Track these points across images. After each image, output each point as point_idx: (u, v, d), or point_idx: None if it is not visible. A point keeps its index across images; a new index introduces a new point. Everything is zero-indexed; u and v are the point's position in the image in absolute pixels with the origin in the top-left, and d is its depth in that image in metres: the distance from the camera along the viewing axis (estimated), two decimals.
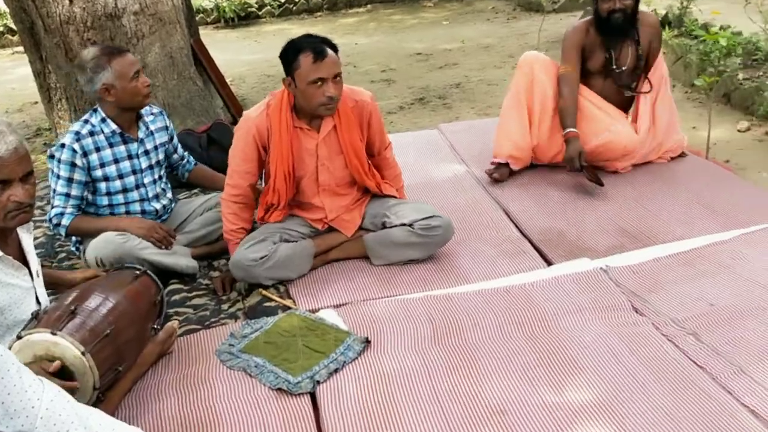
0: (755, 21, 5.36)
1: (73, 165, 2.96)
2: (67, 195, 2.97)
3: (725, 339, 2.33)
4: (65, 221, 2.95)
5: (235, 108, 5.49)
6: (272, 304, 2.79)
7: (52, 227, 3.01)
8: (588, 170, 3.53)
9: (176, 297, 2.93)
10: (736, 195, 3.34)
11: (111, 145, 3.05)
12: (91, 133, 3.01)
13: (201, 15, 10.10)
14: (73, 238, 3.20)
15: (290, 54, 2.80)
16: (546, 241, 3.12)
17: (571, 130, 3.57)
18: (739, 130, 4.42)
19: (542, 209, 3.42)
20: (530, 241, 3.13)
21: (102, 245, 2.90)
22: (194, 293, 2.98)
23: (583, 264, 2.88)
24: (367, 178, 3.06)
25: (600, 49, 3.68)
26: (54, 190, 2.98)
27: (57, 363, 1.94)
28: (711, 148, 3.98)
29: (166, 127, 3.28)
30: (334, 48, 2.83)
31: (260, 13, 10.34)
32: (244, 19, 10.16)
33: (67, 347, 1.96)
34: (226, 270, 3.01)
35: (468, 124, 4.82)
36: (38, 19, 4.48)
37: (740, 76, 5.06)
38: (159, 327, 2.47)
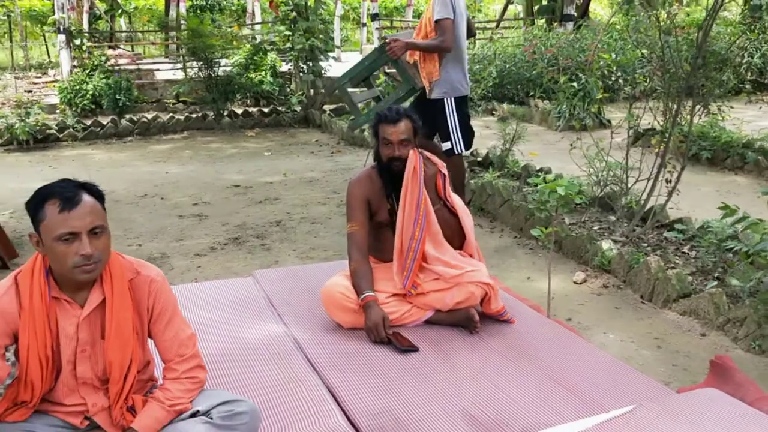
0: (580, 165, 5.36)
1: None
2: None
3: None
4: None
5: (5, 250, 4.54)
6: None
7: None
8: (396, 337, 3.12)
9: None
10: (590, 368, 2.95)
11: None
12: None
13: None
14: None
15: (35, 203, 2.14)
16: None
17: (368, 294, 3.20)
18: (575, 282, 4.18)
19: (374, 384, 2.83)
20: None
21: None
22: None
23: None
24: (128, 381, 2.30)
25: (384, 198, 3.41)
26: None
27: None
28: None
29: None
30: (97, 194, 2.18)
31: (60, 135, 9.37)
32: (42, 141, 9.13)
33: None
34: None
35: (289, 272, 4.22)
36: None
37: (566, 221, 4.95)
38: None
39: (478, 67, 11.35)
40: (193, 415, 2.32)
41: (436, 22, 5.07)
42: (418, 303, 3.32)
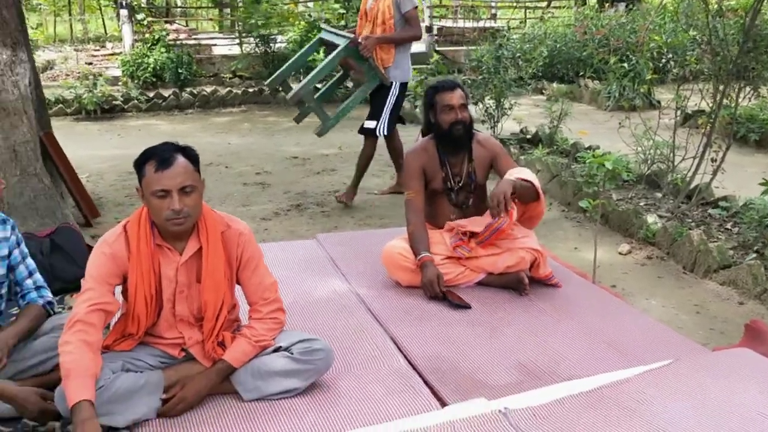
0: (628, 144, 5.54)
1: None
2: None
3: None
4: None
5: (88, 209, 4.94)
6: None
7: None
8: (450, 294, 3.40)
9: None
10: (631, 327, 3.19)
11: None
12: None
13: (60, 105, 9.47)
14: None
15: (139, 162, 2.48)
16: (436, 374, 2.79)
17: (425, 254, 3.48)
18: (620, 253, 4.40)
19: (430, 334, 3.12)
20: (420, 375, 2.80)
21: None
22: None
23: (480, 405, 2.55)
24: (220, 320, 2.63)
25: (439, 167, 3.68)
26: None
27: None
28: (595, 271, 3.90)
29: (8, 238, 2.75)
30: (192, 157, 2.50)
31: (126, 106, 9.82)
32: (108, 111, 9.59)
33: None
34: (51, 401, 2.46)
35: (350, 236, 4.53)
36: None
37: (614, 197, 5.15)
38: None
39: (528, 46, 11.44)
40: (276, 350, 2.64)
41: (406, 12, 5.22)
42: (471, 266, 3.58)
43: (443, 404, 2.61)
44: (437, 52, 11.12)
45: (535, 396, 2.60)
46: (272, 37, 11.07)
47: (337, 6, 11.35)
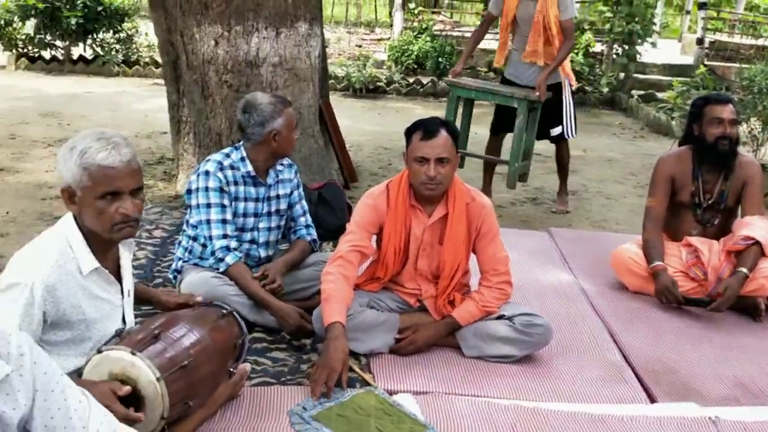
0: None
1: (221, 191, 3.02)
2: (224, 221, 3.00)
3: None
4: (230, 260, 2.96)
5: (349, 173, 5.54)
6: (352, 374, 2.66)
7: (214, 261, 2.99)
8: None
9: (258, 345, 2.86)
10: None
11: (243, 184, 3.09)
12: (231, 167, 3.06)
13: (332, 81, 10.44)
14: (172, 267, 3.22)
15: (409, 130, 2.85)
16: (651, 374, 2.86)
17: (658, 263, 3.47)
18: None
19: (651, 337, 3.17)
20: (634, 371, 2.89)
21: (198, 284, 2.91)
22: (275, 346, 2.90)
23: (691, 409, 2.60)
24: (454, 280, 2.92)
25: (690, 180, 3.61)
26: (207, 221, 2.99)
27: (127, 388, 1.88)
28: None
29: (291, 180, 3.30)
30: (453, 132, 2.79)
31: (388, 88, 10.59)
32: (372, 91, 10.42)
33: (144, 370, 1.90)
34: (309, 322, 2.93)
35: (583, 234, 4.63)
36: (183, 54, 4.69)
37: None
38: (234, 370, 2.38)
39: None
40: (499, 318, 2.89)
41: (565, 21, 4.77)
42: (705, 284, 3.51)
43: (652, 401, 2.69)
44: (705, 65, 10.55)
45: (749, 412, 2.59)
46: None
47: (605, 9, 11.18)
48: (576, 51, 11.18)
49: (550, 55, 4.87)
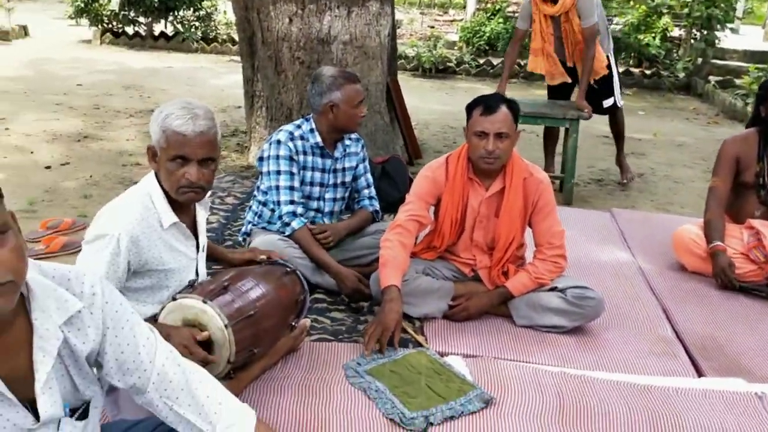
0: None
1: (291, 159, 3.18)
2: (291, 188, 3.17)
3: None
4: (296, 224, 3.14)
5: (413, 150, 5.65)
6: (405, 336, 2.80)
7: (281, 225, 3.17)
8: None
9: (318, 305, 3.03)
10: None
11: (312, 154, 3.25)
12: (301, 137, 3.23)
13: (401, 61, 10.54)
14: (242, 230, 3.41)
15: (470, 105, 2.93)
16: (701, 350, 2.90)
17: (718, 243, 3.48)
18: None
19: (705, 316, 3.20)
20: (684, 346, 2.93)
21: (266, 245, 3.07)
22: (334, 307, 3.07)
23: (737, 384, 2.64)
24: (508, 252, 3.01)
25: (755, 161, 3.58)
26: (276, 187, 3.16)
27: (206, 333, 2.06)
28: None
29: (358, 153, 3.44)
30: (513, 109, 2.86)
31: (457, 69, 10.62)
32: (441, 72, 10.47)
33: (214, 317, 2.08)
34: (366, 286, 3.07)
35: (645, 216, 4.63)
36: (259, 31, 4.88)
37: None
38: (296, 324, 2.55)
39: None
40: (551, 290, 2.97)
41: (590, 27, 4.75)
42: (766, 267, 3.49)
43: (700, 376, 2.73)
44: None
45: None
46: (609, 18, 10.99)
47: None
48: (653, 35, 10.95)
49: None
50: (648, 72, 10.82)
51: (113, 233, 2.10)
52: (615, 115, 5.39)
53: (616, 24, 11.04)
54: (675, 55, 11.00)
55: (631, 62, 11.70)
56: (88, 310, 1.40)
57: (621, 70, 10.93)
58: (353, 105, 3.18)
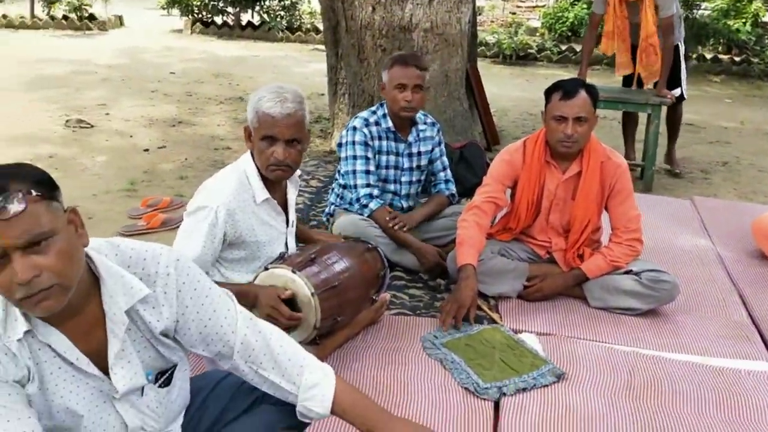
0: None
1: (366, 144, 3.34)
2: (368, 172, 3.33)
3: None
4: (373, 206, 3.29)
5: (491, 136, 5.73)
6: (480, 313, 2.92)
7: (359, 207, 3.32)
8: None
9: (397, 282, 3.18)
10: None
11: (386, 139, 3.40)
12: (376, 123, 3.38)
13: (482, 48, 10.56)
14: (326, 211, 3.59)
15: (549, 90, 2.99)
16: None
17: None
18: None
19: None
20: (759, 331, 2.94)
21: (348, 225, 3.25)
22: (413, 285, 3.21)
23: None
24: (584, 235, 3.06)
25: None
26: (353, 171, 3.32)
27: (289, 291, 2.26)
28: None
29: (433, 138, 3.56)
30: (592, 94, 2.91)
31: (538, 56, 10.56)
32: (522, 58, 10.44)
33: (302, 285, 2.26)
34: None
35: (728, 204, 4.58)
36: (343, 19, 5.05)
37: None
38: (376, 298, 2.71)
39: None
40: (626, 273, 3.02)
41: (667, 18, 4.70)
42: None
43: None
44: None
45: None
46: (697, 3, 10.71)
47: None
48: (744, 20, 10.59)
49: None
50: (737, 59, 10.49)
51: (212, 206, 2.30)
52: (675, 107, 5.29)
53: (704, 9, 10.73)
54: (766, 41, 10.60)
55: (720, 49, 11.34)
56: (162, 290, 1.46)
57: (709, 56, 10.64)
58: (393, 87, 3.26)
